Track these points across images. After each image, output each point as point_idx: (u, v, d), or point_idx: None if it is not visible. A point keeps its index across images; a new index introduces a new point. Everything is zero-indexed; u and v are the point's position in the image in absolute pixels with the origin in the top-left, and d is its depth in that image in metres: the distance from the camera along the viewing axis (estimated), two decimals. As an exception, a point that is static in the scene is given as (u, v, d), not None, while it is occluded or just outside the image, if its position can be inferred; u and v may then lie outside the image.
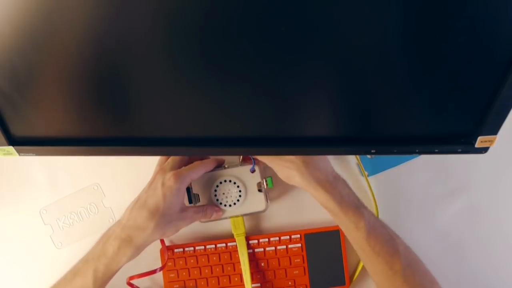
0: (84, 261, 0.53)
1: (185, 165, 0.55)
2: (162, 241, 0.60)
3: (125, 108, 0.45)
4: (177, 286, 0.60)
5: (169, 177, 0.52)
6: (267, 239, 0.60)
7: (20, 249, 0.61)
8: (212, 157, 0.59)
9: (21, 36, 0.39)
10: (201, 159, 0.58)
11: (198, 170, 0.54)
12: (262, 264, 0.60)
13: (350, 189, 0.54)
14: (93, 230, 0.62)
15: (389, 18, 0.38)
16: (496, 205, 0.62)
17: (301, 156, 0.52)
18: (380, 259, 0.50)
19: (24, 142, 0.47)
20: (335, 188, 0.52)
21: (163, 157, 0.58)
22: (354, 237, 0.52)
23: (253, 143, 0.48)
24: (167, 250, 0.60)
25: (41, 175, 0.61)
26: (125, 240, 0.51)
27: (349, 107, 0.45)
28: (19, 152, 0.48)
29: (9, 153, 0.48)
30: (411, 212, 0.62)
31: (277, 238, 0.60)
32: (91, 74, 0.42)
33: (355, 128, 0.47)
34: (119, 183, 0.62)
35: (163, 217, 0.51)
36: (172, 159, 0.56)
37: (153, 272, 0.58)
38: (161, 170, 0.54)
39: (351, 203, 0.51)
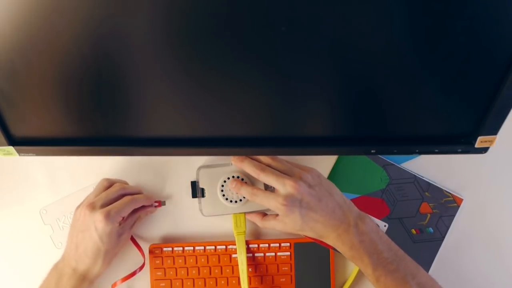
0: None
1: (116, 199, 0.54)
2: (134, 242, 0.59)
3: (125, 108, 0.45)
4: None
5: (100, 219, 0.51)
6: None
7: (20, 249, 0.61)
8: (144, 194, 0.58)
9: (21, 36, 0.39)
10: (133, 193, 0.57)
11: (127, 207, 0.54)
12: (250, 270, 0.60)
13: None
14: (93, 230, 0.61)
15: (390, 18, 0.38)
16: (495, 206, 0.62)
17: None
18: None
19: (24, 142, 0.47)
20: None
21: (97, 190, 0.56)
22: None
23: (253, 143, 0.48)
24: (157, 247, 0.60)
25: (41, 175, 0.61)
26: (79, 278, 0.54)
27: (350, 107, 0.45)
28: (19, 152, 0.48)
29: (9, 153, 0.48)
30: (411, 212, 0.62)
31: (267, 245, 0.60)
32: (91, 74, 0.42)
33: (355, 128, 0.47)
34: (119, 183, 0.62)
35: (107, 252, 0.53)
36: (106, 194, 0.54)
37: (133, 274, 0.57)
38: (90, 206, 0.52)
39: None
